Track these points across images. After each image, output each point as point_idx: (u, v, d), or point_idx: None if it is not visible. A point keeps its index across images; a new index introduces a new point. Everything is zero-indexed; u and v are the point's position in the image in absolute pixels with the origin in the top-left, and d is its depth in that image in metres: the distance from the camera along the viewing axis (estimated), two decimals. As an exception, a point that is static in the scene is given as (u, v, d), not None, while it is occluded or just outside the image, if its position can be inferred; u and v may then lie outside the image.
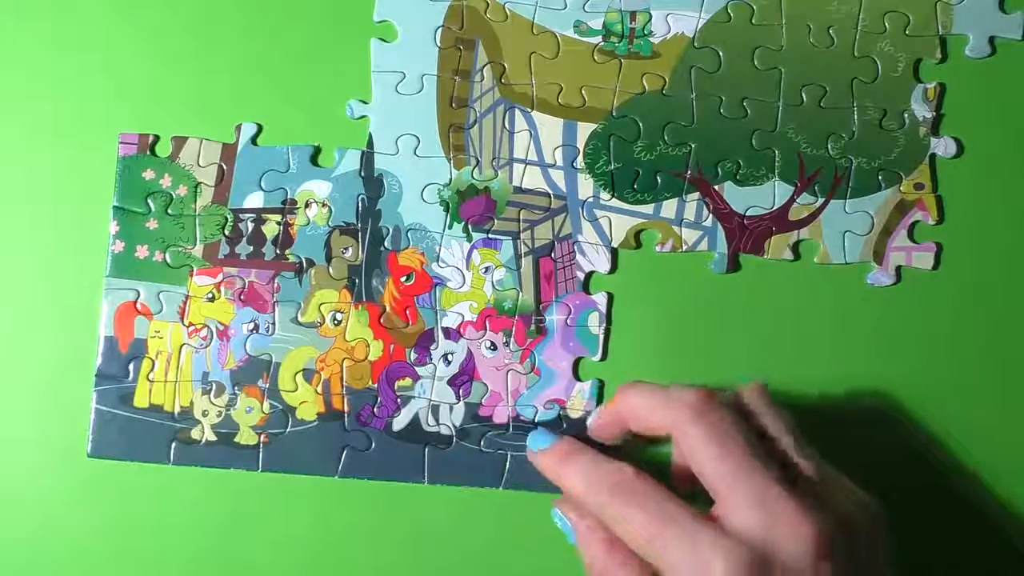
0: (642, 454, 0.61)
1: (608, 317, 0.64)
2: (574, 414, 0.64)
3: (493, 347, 0.64)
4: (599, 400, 0.64)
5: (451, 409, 0.64)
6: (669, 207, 0.65)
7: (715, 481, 0.49)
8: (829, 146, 0.64)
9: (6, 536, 0.65)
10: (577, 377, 0.64)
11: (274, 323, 0.65)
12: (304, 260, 0.65)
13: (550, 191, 0.65)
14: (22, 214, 0.66)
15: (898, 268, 0.64)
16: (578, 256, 0.65)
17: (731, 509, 0.48)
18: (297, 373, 0.64)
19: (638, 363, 0.64)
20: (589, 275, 0.64)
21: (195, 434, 0.64)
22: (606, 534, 0.53)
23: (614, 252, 0.64)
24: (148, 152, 0.65)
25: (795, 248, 0.64)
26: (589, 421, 0.61)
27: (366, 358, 0.64)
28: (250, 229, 0.65)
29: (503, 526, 0.64)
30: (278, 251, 0.65)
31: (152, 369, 0.64)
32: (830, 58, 0.65)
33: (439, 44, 0.66)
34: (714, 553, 0.46)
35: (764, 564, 0.45)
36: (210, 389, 0.64)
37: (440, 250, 0.65)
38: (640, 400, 0.55)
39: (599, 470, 0.54)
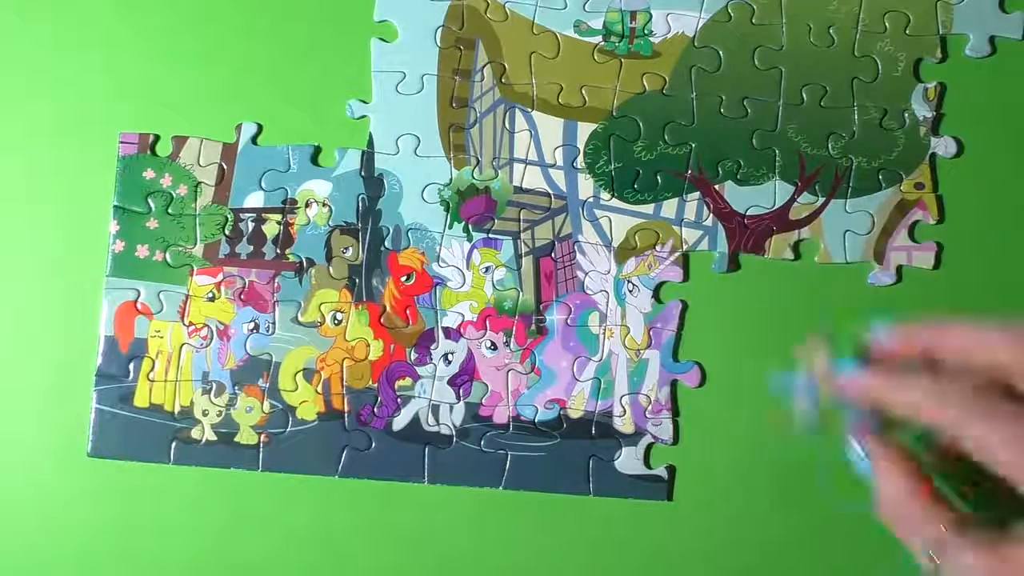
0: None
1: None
2: (574, 414, 0.64)
3: (493, 347, 0.64)
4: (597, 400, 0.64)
5: (451, 409, 0.64)
6: (669, 207, 0.65)
7: None
8: (829, 146, 0.64)
9: (6, 536, 0.65)
10: (577, 377, 0.64)
11: (274, 323, 0.65)
12: (304, 260, 0.65)
13: (550, 191, 0.65)
14: (22, 214, 0.66)
15: (899, 268, 0.64)
16: (578, 256, 0.65)
17: None
18: (297, 373, 0.64)
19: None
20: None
21: (195, 434, 0.64)
22: (913, 470, 0.49)
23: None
24: (148, 152, 0.65)
25: (795, 248, 0.64)
26: (878, 334, 0.52)
27: (366, 358, 0.64)
28: (250, 229, 0.65)
29: (503, 526, 0.64)
30: (278, 251, 0.65)
31: (152, 368, 0.64)
32: (830, 58, 0.65)
33: (439, 44, 0.66)
34: None
35: None
36: (210, 389, 0.64)
37: (440, 250, 0.65)
38: (972, 328, 0.50)
39: (948, 385, 0.47)
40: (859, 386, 0.51)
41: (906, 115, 0.64)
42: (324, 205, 0.65)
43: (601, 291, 0.64)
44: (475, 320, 0.64)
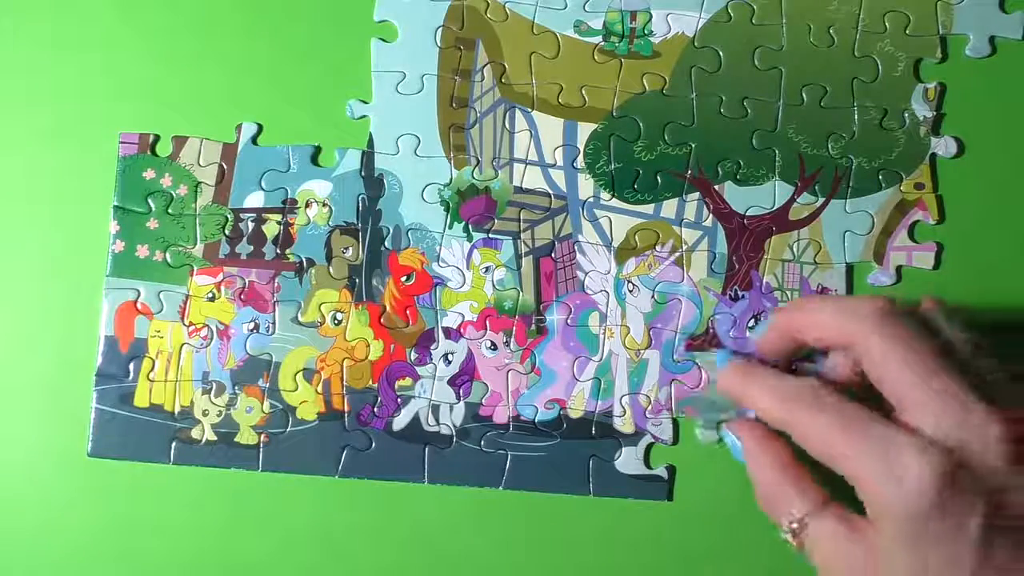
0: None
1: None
2: (574, 414, 0.64)
3: (493, 347, 0.64)
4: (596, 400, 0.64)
5: (451, 409, 0.64)
6: (669, 207, 0.65)
7: (900, 388, 0.46)
8: (829, 146, 0.64)
9: (6, 536, 0.65)
10: (577, 377, 0.64)
11: (274, 323, 0.65)
12: (304, 260, 0.65)
13: (550, 191, 0.65)
14: (22, 214, 0.66)
15: (898, 268, 0.64)
16: (578, 256, 0.65)
17: (919, 414, 0.45)
18: (297, 373, 0.64)
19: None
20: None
21: (195, 434, 0.64)
22: (777, 454, 0.52)
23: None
24: (148, 152, 0.65)
25: (795, 248, 0.64)
26: (753, 336, 0.56)
27: (366, 358, 0.64)
28: (250, 229, 0.65)
29: (503, 526, 0.64)
30: (278, 251, 0.65)
31: (152, 368, 0.64)
32: (830, 58, 0.65)
33: (439, 44, 0.66)
34: (909, 458, 0.43)
35: (959, 468, 0.43)
36: (210, 389, 0.64)
37: (440, 250, 0.65)
38: (817, 311, 0.51)
39: (784, 383, 0.51)
40: (721, 380, 0.55)
41: (906, 115, 0.65)
42: (324, 205, 0.65)
43: (601, 291, 0.64)
44: (475, 320, 0.64)
